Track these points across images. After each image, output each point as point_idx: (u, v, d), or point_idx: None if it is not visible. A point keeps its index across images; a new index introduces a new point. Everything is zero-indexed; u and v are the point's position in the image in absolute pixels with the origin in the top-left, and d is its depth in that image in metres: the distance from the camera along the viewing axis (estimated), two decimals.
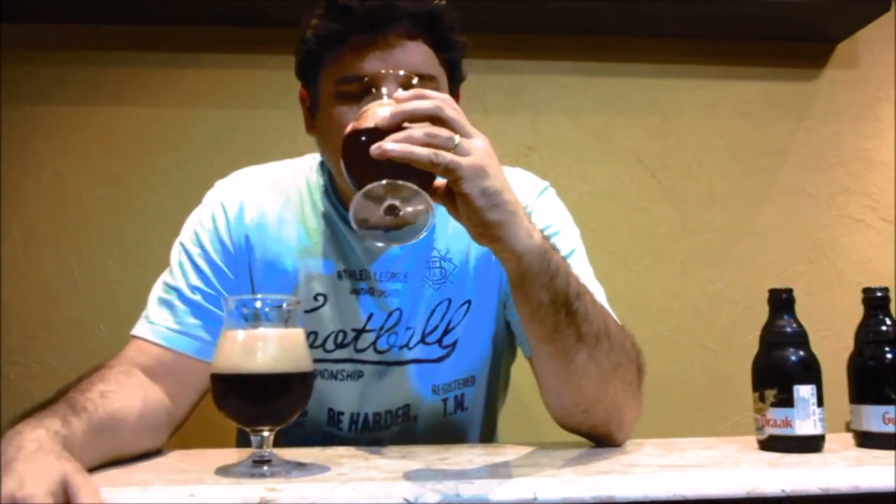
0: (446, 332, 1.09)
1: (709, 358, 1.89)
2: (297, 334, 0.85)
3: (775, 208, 1.94)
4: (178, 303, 1.05)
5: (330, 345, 1.09)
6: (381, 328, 1.09)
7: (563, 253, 1.03)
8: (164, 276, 1.09)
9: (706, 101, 1.95)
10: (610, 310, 1.01)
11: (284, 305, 0.84)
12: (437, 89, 1.01)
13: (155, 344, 1.02)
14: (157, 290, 1.08)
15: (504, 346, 1.15)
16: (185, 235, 1.11)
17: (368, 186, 0.76)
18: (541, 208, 1.11)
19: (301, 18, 1.06)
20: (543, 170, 1.87)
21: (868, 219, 1.96)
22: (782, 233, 1.93)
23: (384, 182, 0.75)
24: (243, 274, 1.09)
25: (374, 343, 1.09)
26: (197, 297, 1.05)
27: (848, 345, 1.86)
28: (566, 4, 1.76)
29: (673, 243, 1.91)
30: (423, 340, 1.09)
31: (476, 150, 0.77)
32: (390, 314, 1.08)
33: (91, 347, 1.79)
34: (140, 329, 1.04)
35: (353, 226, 0.78)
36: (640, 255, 1.90)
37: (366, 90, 0.97)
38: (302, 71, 1.09)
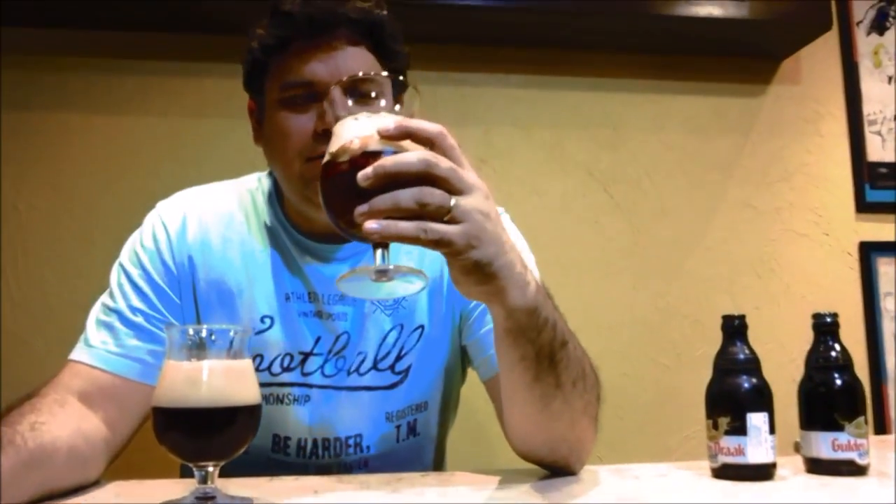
0: (399, 358, 1.07)
1: (659, 372, 1.90)
2: (244, 365, 0.81)
3: (723, 222, 1.97)
4: (118, 325, 1.01)
5: (276, 368, 1.05)
6: (330, 351, 1.06)
7: None
8: (104, 299, 1.05)
9: (656, 114, 1.96)
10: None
11: (231, 334, 0.81)
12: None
13: (93, 367, 0.97)
14: (95, 313, 1.03)
15: (456, 371, 1.14)
16: (125, 256, 1.07)
17: (356, 271, 0.73)
18: None
19: (249, 28, 1.04)
20: (496, 182, 1.88)
21: (811, 233, 2.00)
22: (730, 247, 1.96)
23: (375, 267, 0.72)
24: (187, 296, 1.05)
25: (321, 367, 1.06)
26: (138, 319, 1.01)
27: (793, 357, 1.93)
28: (519, 17, 1.76)
29: (624, 257, 1.92)
30: (375, 367, 1.06)
31: (471, 212, 0.71)
32: (338, 338, 1.06)
33: (28, 363, 1.72)
34: (78, 353, 1.00)
35: (338, 287, 0.75)
36: (592, 268, 1.91)
37: (311, 96, 0.99)
38: (249, 81, 1.08)
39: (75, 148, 1.77)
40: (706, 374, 1.91)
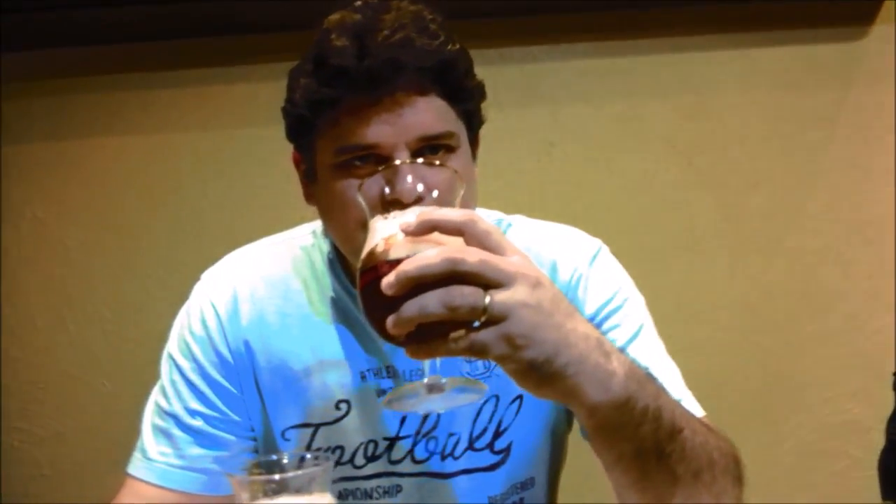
0: (497, 434, 0.93)
1: (765, 356, 1.74)
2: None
3: (826, 187, 1.76)
4: (176, 431, 0.90)
5: (360, 459, 0.93)
6: (418, 433, 0.93)
7: (629, 333, 0.88)
8: (157, 397, 0.94)
9: (743, 72, 1.74)
10: (687, 394, 0.86)
11: (303, 471, 0.68)
12: (457, 147, 0.86)
13: (156, 486, 0.88)
14: (149, 416, 0.93)
15: (564, 431, 1.00)
16: (174, 345, 0.95)
17: (404, 389, 0.66)
18: (596, 278, 0.95)
19: (289, 73, 0.89)
20: (568, 167, 1.72)
21: None
22: (836, 213, 1.75)
23: (425, 382, 0.64)
24: (248, 387, 0.94)
25: (410, 451, 0.93)
26: (198, 423, 0.91)
27: None
28: None
29: (716, 236, 1.74)
30: (471, 447, 0.93)
31: (513, 308, 0.61)
32: (426, 417, 0.93)
33: (97, 405, 1.66)
34: (137, 468, 0.90)
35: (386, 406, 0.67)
36: (680, 251, 1.73)
37: (373, 159, 0.82)
38: (292, 135, 0.92)
39: (113, 174, 1.67)
40: (816, 353, 1.76)
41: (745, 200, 1.74)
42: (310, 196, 0.94)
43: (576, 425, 1.00)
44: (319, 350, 0.94)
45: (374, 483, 0.94)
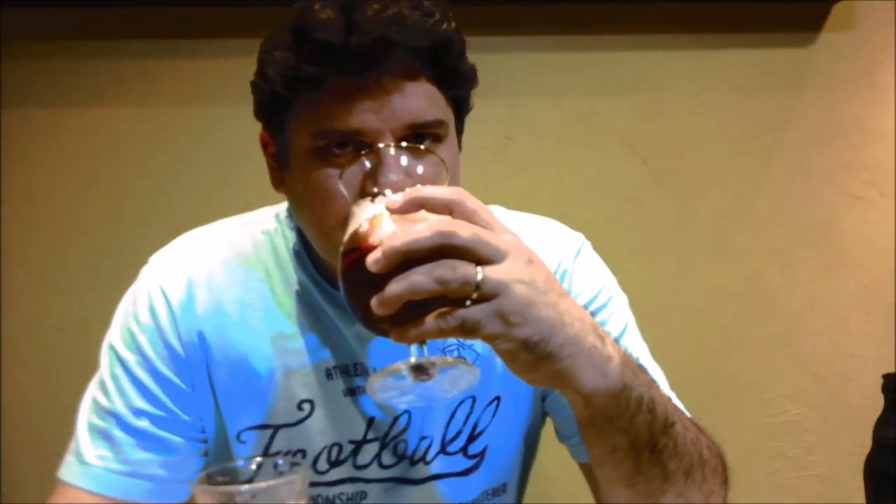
0: (472, 437, 0.88)
1: (711, 358, 1.75)
2: None
3: (774, 190, 1.78)
4: (117, 432, 0.81)
5: (322, 464, 0.86)
6: (387, 436, 0.87)
7: (616, 331, 0.85)
8: (94, 392, 0.84)
9: (698, 73, 1.75)
10: (672, 395, 0.84)
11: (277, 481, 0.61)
12: (445, 137, 0.80)
13: (93, 493, 0.79)
14: (86, 413, 0.83)
15: (537, 438, 0.96)
16: (117, 335, 0.85)
17: (387, 370, 0.59)
18: (581, 272, 0.92)
19: (262, 44, 0.81)
20: (524, 161, 1.69)
21: (868, 195, 1.82)
22: (782, 216, 1.78)
23: (409, 362, 0.58)
24: (201, 383, 0.85)
25: (378, 456, 0.87)
26: (143, 424, 0.81)
27: (850, 332, 1.79)
28: None
29: (668, 236, 1.74)
30: (443, 450, 0.88)
31: (506, 283, 0.57)
32: (396, 419, 0.87)
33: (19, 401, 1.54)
34: (70, 473, 0.80)
35: (373, 398, 0.61)
36: (633, 251, 1.73)
37: (356, 146, 0.75)
38: (263, 114, 0.83)
39: (41, 146, 1.55)
40: (760, 356, 1.78)
41: (697, 201, 1.75)
42: (280, 183, 0.86)
43: (548, 425, 0.97)
44: (282, 345, 0.86)
45: (337, 490, 0.87)
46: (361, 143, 0.75)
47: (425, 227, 0.56)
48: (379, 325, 0.61)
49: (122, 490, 0.80)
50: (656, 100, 1.73)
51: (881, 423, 0.76)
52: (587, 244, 0.98)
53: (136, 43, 1.56)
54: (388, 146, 0.70)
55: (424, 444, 0.88)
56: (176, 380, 0.84)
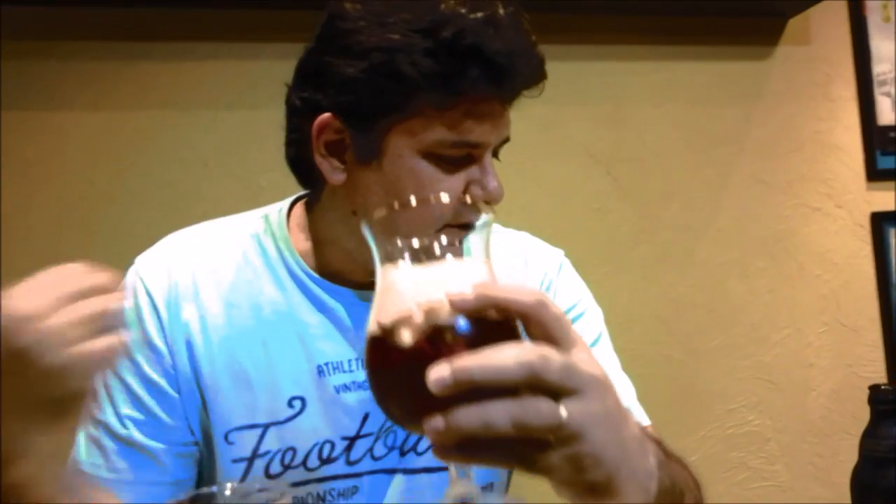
0: None
1: (674, 369, 1.75)
2: None
3: (735, 201, 1.80)
4: (106, 441, 0.80)
5: (314, 461, 0.83)
6: (381, 428, 0.84)
7: (590, 340, 0.85)
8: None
9: (660, 84, 1.76)
10: (636, 406, 0.90)
11: None
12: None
13: None
14: (84, 420, 0.81)
15: None
16: None
17: None
18: (564, 284, 0.95)
19: (356, 24, 0.76)
20: None
21: (824, 206, 1.86)
22: (742, 227, 1.80)
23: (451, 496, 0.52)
24: (188, 387, 0.82)
25: (370, 449, 0.84)
26: (128, 431, 0.80)
27: (809, 342, 1.81)
28: None
29: (632, 246, 1.73)
30: None
31: (587, 426, 0.50)
32: None
33: None
34: None
35: None
36: (597, 261, 1.71)
37: (468, 158, 0.79)
38: (355, 107, 0.77)
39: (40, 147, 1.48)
40: (723, 366, 1.78)
41: (660, 212, 1.75)
42: (349, 171, 0.80)
43: None
44: (271, 342, 0.84)
45: (328, 486, 0.84)
46: (471, 157, 0.78)
47: (513, 358, 0.48)
48: (414, 425, 0.51)
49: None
50: (618, 110, 1.74)
51: (867, 436, 0.75)
52: (566, 259, 1.01)
53: (135, 44, 1.50)
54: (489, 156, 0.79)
55: (415, 434, 0.85)
56: (162, 383, 0.82)
